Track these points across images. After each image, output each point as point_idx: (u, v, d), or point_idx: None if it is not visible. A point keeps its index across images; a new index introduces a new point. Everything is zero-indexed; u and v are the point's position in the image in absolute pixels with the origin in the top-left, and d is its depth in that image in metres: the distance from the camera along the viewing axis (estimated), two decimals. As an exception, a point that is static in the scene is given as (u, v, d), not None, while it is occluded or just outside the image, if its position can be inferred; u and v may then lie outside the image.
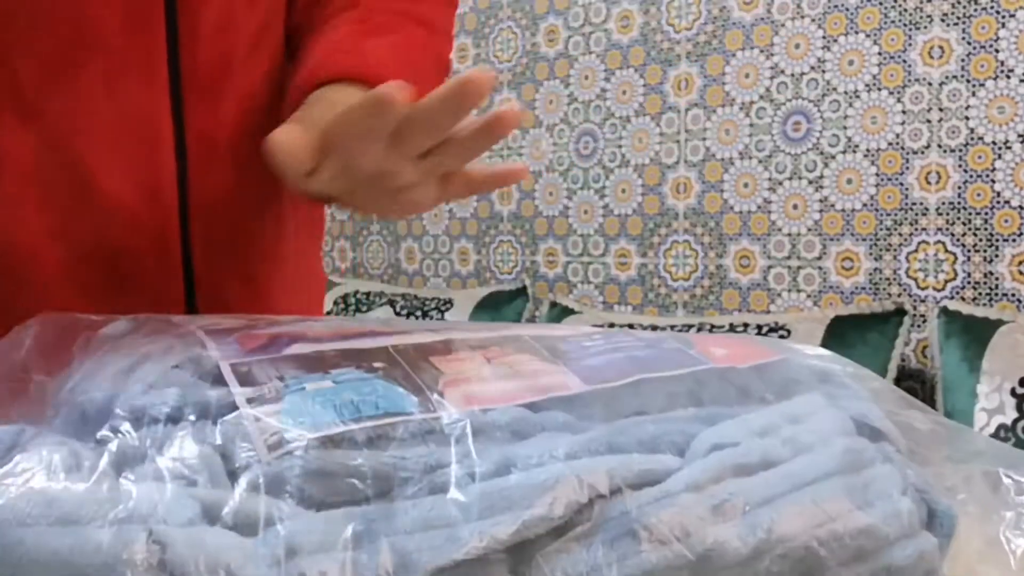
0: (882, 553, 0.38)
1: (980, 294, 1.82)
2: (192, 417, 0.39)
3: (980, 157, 1.82)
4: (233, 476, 0.36)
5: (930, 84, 1.86)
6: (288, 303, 0.70)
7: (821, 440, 0.41)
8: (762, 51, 2.06)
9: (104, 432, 0.39)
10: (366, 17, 0.64)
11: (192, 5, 0.59)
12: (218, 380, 0.41)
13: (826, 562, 0.37)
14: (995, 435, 1.54)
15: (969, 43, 1.82)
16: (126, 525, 0.33)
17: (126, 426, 0.39)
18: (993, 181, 1.81)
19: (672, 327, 2.01)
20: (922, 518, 0.41)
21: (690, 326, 1.97)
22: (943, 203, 1.86)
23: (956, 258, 1.85)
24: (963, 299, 1.84)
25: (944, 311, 1.75)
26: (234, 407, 0.39)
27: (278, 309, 0.69)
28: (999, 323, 1.66)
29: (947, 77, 1.84)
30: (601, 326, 2.05)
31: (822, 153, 1.99)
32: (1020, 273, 1.78)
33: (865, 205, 1.95)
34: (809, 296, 2.02)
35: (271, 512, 0.34)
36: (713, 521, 0.36)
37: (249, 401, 0.39)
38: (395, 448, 0.37)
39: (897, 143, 1.91)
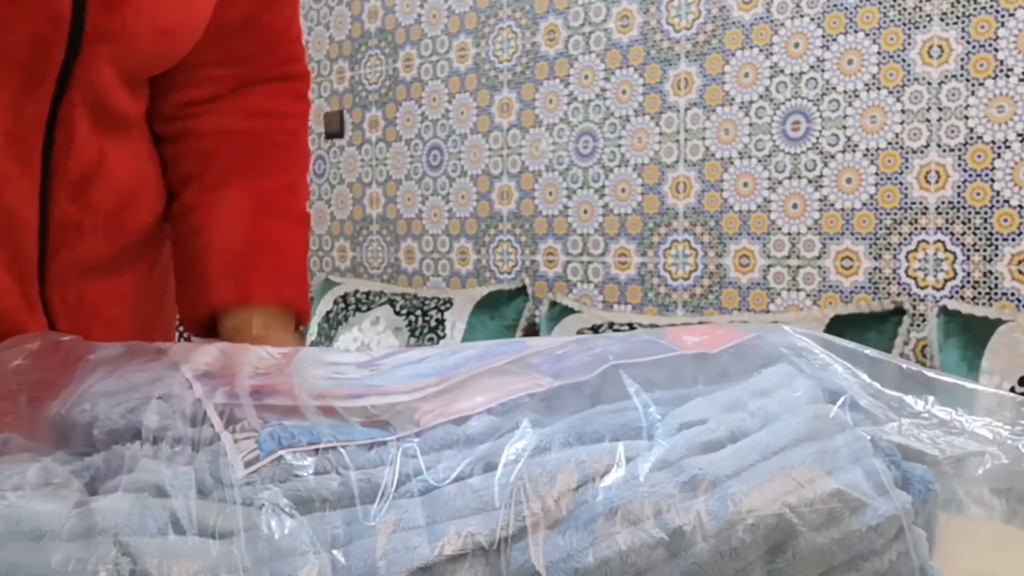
0: (855, 515, 0.39)
1: (979, 293, 1.83)
2: (169, 441, 0.40)
3: (979, 156, 1.82)
4: (207, 491, 0.36)
5: (929, 83, 1.86)
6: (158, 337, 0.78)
7: (789, 409, 0.42)
8: (761, 50, 2.06)
9: (82, 452, 0.39)
10: (253, 217, 0.71)
11: (69, 117, 0.62)
12: (198, 416, 0.42)
13: (798, 528, 0.37)
14: (994, 434, 1.54)
15: (968, 42, 1.82)
16: (94, 538, 0.33)
17: (102, 446, 0.40)
18: (992, 180, 1.81)
19: (672, 326, 2.00)
20: (896, 479, 0.41)
21: (704, 324, 1.97)
22: (942, 202, 1.86)
23: (955, 257, 1.85)
24: (962, 298, 1.84)
25: (943, 310, 1.75)
26: (213, 436, 0.40)
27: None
28: (998, 322, 1.66)
29: (946, 76, 1.84)
30: (600, 325, 2.05)
31: (821, 152, 1.99)
32: (1019, 272, 1.79)
33: (865, 204, 1.95)
34: (809, 295, 2.02)
35: (245, 520, 0.35)
36: (683, 498, 0.37)
37: (227, 427, 0.40)
38: (367, 462, 0.38)
39: (896, 142, 1.91)
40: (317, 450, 0.38)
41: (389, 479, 0.37)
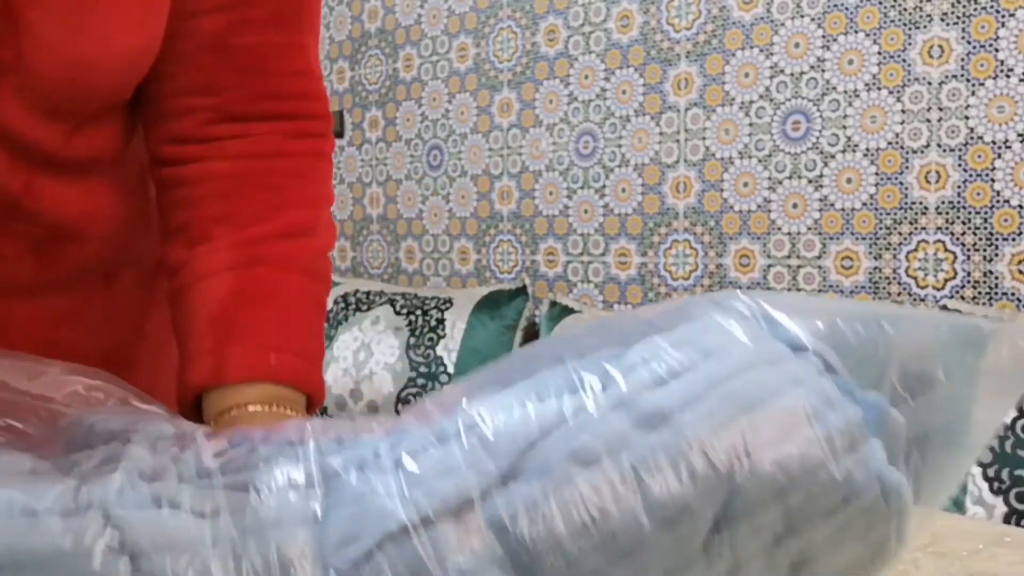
0: (805, 427, 0.39)
1: (980, 293, 1.83)
2: (158, 442, 0.41)
3: (980, 156, 1.82)
4: (190, 478, 0.38)
5: (930, 83, 1.86)
6: (125, 355, 0.72)
7: (731, 343, 0.42)
8: (762, 50, 2.06)
9: (78, 450, 0.41)
10: (246, 273, 0.62)
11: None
12: (188, 436, 0.44)
13: (750, 449, 0.38)
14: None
15: (969, 42, 1.82)
16: (83, 512, 0.34)
17: (100, 443, 0.41)
18: (993, 180, 1.81)
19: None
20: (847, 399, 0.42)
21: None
22: (943, 202, 1.86)
23: (956, 257, 1.85)
24: (963, 298, 1.84)
25: (944, 310, 1.75)
26: (191, 437, 0.41)
27: (115, 359, 0.70)
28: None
29: (947, 76, 1.85)
30: (601, 325, 2.05)
31: (822, 152, 1.99)
32: (1020, 272, 1.79)
33: (865, 204, 1.95)
34: (809, 295, 2.02)
35: (229, 500, 0.36)
36: (638, 435, 0.38)
37: (208, 439, 0.42)
38: (339, 448, 0.40)
39: (897, 142, 1.91)
40: (289, 442, 0.40)
41: (361, 456, 0.39)
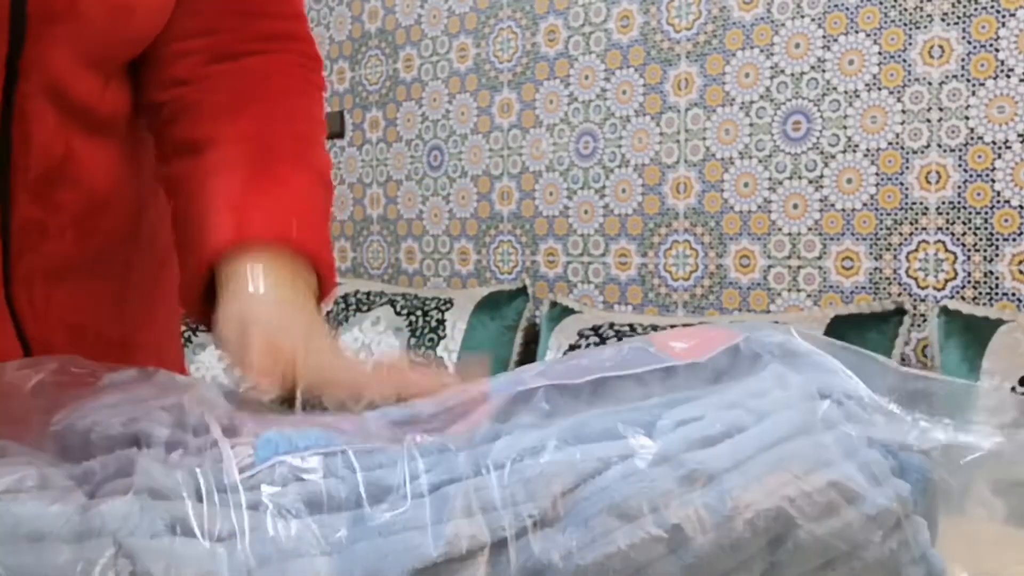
0: (852, 505, 0.39)
1: (980, 293, 1.82)
2: (170, 447, 0.39)
3: (980, 157, 1.82)
4: (208, 495, 0.36)
5: (930, 84, 1.86)
6: (138, 342, 0.72)
7: (783, 406, 0.42)
8: (762, 51, 2.06)
9: (79, 458, 0.39)
10: (259, 162, 0.62)
11: (25, 110, 0.59)
12: (201, 427, 0.42)
13: (796, 520, 0.37)
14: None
15: (969, 42, 1.82)
16: (93, 539, 0.33)
17: (99, 453, 0.39)
18: (993, 181, 1.81)
19: (672, 327, 2.01)
20: (893, 469, 0.41)
21: (690, 326, 1.97)
22: (943, 203, 1.86)
23: (956, 257, 1.85)
24: (963, 298, 1.84)
25: (944, 310, 1.75)
26: (212, 442, 0.39)
27: (129, 346, 0.71)
28: (999, 322, 1.66)
29: (947, 77, 1.84)
30: (601, 326, 2.05)
31: (822, 153, 1.99)
32: (1020, 272, 1.78)
33: (865, 205, 1.95)
34: (809, 296, 2.02)
35: (249, 522, 0.35)
36: (681, 493, 0.37)
37: (225, 433, 0.40)
38: (370, 465, 0.38)
39: (897, 143, 1.91)
40: (320, 454, 0.38)
41: (391, 481, 0.37)
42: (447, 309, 2.34)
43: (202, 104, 0.65)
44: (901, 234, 1.91)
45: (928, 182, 1.87)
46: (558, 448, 0.38)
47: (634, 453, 0.38)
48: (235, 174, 0.61)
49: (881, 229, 1.93)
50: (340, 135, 2.89)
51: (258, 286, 0.55)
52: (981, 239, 1.82)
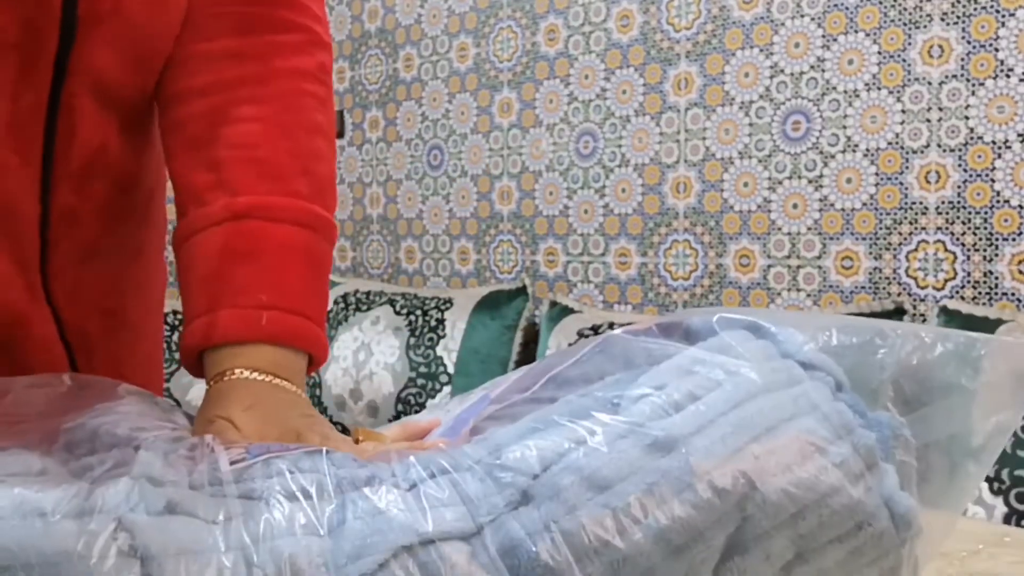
0: (816, 456, 0.40)
1: (980, 293, 1.83)
2: (164, 445, 0.41)
3: (980, 156, 1.82)
4: (202, 485, 0.38)
5: (930, 83, 1.86)
6: (145, 323, 0.76)
7: (747, 365, 0.43)
8: (762, 50, 2.06)
9: (83, 453, 0.41)
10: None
11: (71, 106, 0.61)
12: (199, 441, 0.44)
13: (762, 476, 0.39)
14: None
15: (969, 42, 1.82)
16: (95, 515, 0.34)
17: (103, 449, 0.41)
18: (993, 180, 1.81)
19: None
20: (862, 424, 0.42)
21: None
22: (943, 202, 1.86)
23: (956, 257, 1.85)
24: (963, 298, 1.84)
25: (944, 310, 1.75)
26: (209, 446, 0.42)
27: (139, 327, 0.74)
28: (999, 322, 1.66)
29: (947, 76, 1.85)
30: (601, 325, 2.05)
31: (822, 152, 2.00)
32: (1020, 272, 1.79)
33: (865, 204, 1.95)
34: (809, 295, 2.02)
35: (243, 508, 0.36)
36: (648, 461, 0.38)
37: (226, 447, 0.42)
38: (353, 464, 0.40)
39: (897, 142, 1.91)
40: (310, 452, 0.41)
41: (374, 473, 0.39)
42: (447, 309, 2.34)
43: (207, 110, 0.66)
44: (901, 234, 1.91)
45: (928, 182, 1.88)
46: (530, 435, 0.40)
47: (602, 428, 0.39)
48: (212, 249, 0.60)
49: (881, 229, 1.93)
50: (340, 135, 2.89)
51: (228, 397, 0.53)
52: (981, 239, 1.82)
